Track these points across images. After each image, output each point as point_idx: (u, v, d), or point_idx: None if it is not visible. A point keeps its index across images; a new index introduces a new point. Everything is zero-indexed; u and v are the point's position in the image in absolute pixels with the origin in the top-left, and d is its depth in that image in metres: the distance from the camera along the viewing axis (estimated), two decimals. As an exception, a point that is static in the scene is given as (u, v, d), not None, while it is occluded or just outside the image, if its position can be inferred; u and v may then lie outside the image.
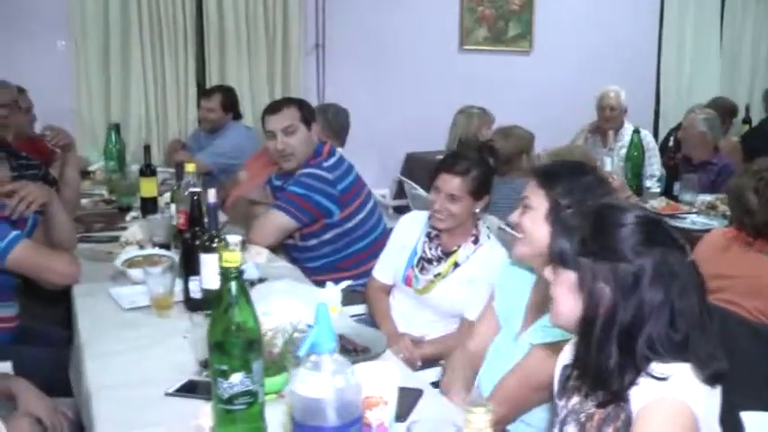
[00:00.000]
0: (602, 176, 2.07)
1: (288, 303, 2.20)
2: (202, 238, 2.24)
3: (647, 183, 4.54)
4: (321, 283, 3.19)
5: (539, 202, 1.97)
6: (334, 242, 3.29)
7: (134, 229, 3.14)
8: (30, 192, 2.69)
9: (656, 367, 1.39)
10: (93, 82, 5.41)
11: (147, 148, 3.82)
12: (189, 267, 2.31)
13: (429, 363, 2.65)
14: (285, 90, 5.85)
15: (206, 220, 2.29)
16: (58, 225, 2.84)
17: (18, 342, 2.77)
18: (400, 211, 5.15)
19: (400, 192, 5.83)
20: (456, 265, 2.71)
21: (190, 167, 2.79)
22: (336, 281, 3.23)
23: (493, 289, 2.28)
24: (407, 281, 2.82)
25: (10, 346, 2.68)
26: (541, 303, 1.95)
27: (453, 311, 2.71)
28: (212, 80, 5.67)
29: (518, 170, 3.98)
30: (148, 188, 3.61)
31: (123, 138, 4.92)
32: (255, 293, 2.30)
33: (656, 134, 6.53)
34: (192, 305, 2.31)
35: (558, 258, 1.48)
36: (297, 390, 1.32)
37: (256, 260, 2.87)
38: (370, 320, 2.90)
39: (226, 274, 1.47)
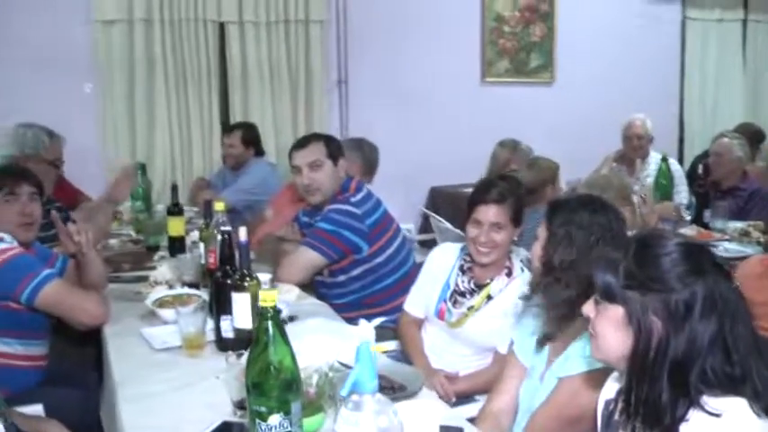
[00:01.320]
0: (617, 213, 2.03)
1: (322, 341, 2.18)
2: (234, 277, 2.23)
3: (676, 211, 4.49)
4: (350, 320, 3.21)
5: (541, 231, 1.98)
6: (362, 278, 3.27)
7: (163, 269, 3.13)
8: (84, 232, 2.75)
9: (710, 401, 1.34)
10: (119, 123, 5.46)
11: (174, 188, 3.83)
12: (220, 306, 2.29)
13: (464, 398, 2.61)
14: (308, 126, 5.87)
15: (237, 258, 2.27)
16: (93, 269, 2.86)
17: (47, 382, 2.76)
18: (426, 245, 5.13)
19: (425, 225, 5.81)
20: (489, 297, 2.68)
21: (219, 206, 2.78)
22: (366, 317, 3.23)
23: (511, 339, 2.25)
24: (440, 314, 2.78)
25: (40, 388, 2.69)
26: (565, 342, 1.93)
27: (487, 345, 2.67)
28: (236, 117, 5.70)
29: (543, 201, 3.94)
30: (176, 227, 3.62)
31: (149, 177, 4.96)
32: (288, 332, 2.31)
33: (681, 161, 6.48)
34: (223, 345, 2.29)
35: (603, 293, 1.44)
36: (339, 430, 1.29)
37: (286, 298, 2.85)
38: (402, 356, 2.87)
39: (263, 314, 1.46)
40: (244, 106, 5.76)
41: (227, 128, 5.25)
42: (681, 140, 7.22)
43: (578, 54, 6.54)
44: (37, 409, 2.50)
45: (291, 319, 2.59)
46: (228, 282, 2.25)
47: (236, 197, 4.93)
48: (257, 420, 1.44)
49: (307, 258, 3.14)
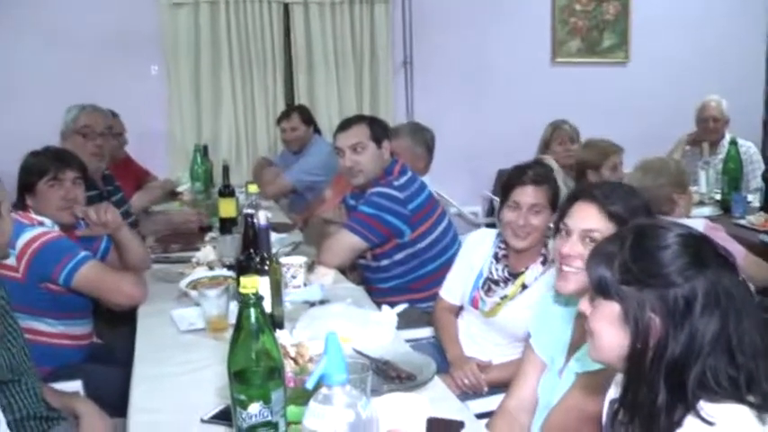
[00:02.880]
0: (647, 204, 1.91)
1: (339, 327, 2.15)
2: (254, 260, 2.22)
3: (749, 197, 4.24)
4: (394, 305, 3.19)
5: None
6: (406, 262, 3.23)
7: (207, 251, 3.16)
8: (110, 212, 2.79)
9: (706, 407, 1.25)
10: (185, 104, 5.54)
11: (225, 169, 3.86)
12: (244, 289, 2.28)
13: (496, 387, 2.54)
14: (374, 108, 5.84)
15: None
16: (129, 250, 2.91)
17: (89, 360, 2.83)
18: (493, 228, 5.03)
19: (492, 209, 5.71)
20: (524, 287, 2.59)
21: (252, 188, 2.78)
22: (410, 302, 3.21)
23: (528, 333, 2.15)
24: (474, 302, 2.72)
25: (82, 365, 2.76)
26: (584, 335, 1.82)
27: (521, 335, 2.57)
28: (300, 99, 5.71)
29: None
30: (227, 208, 3.64)
31: (214, 158, 5.03)
32: (308, 315, 2.29)
33: (765, 146, 6.15)
34: (246, 328, 2.28)
35: (597, 288, 1.36)
36: (307, 424, 1.26)
37: (322, 281, 2.84)
38: (437, 343, 2.82)
39: (245, 301, 1.43)
40: (308, 88, 5.76)
41: (281, 114, 5.25)
42: (765, 124, 6.85)
43: (655, 32, 6.27)
44: (75, 385, 2.56)
45: (323, 302, 2.58)
46: (250, 265, 2.24)
47: (296, 178, 4.96)
48: (238, 408, 1.42)
49: (347, 242, 3.12)
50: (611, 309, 1.34)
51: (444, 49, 5.92)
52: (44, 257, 2.54)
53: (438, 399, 1.83)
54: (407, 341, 2.94)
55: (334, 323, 2.17)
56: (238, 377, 1.44)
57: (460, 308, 2.85)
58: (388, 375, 1.90)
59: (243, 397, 1.41)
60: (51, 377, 2.58)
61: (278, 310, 2.23)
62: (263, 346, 1.44)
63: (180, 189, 4.73)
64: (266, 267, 2.21)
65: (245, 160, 5.67)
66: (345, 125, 3.29)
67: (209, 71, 5.53)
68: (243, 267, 2.29)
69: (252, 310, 1.43)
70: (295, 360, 1.92)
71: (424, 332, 2.98)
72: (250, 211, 2.30)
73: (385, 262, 3.24)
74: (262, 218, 2.21)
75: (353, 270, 3.38)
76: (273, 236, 3.56)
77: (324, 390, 1.26)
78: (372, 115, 3.55)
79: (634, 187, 2.03)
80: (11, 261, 2.53)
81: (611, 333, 1.35)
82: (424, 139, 4.04)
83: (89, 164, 3.40)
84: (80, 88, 4.66)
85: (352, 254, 3.16)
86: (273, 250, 3.24)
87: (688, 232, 1.33)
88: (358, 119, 3.35)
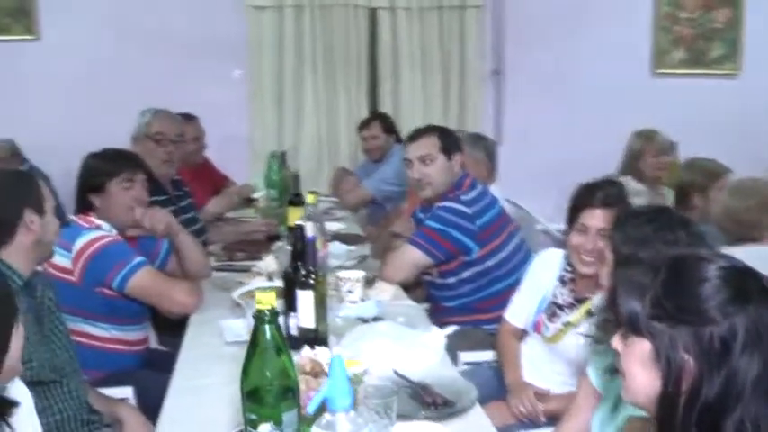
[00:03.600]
0: (696, 231, 1.81)
1: (383, 347, 2.15)
2: (299, 274, 2.23)
3: None
4: (461, 324, 3.16)
5: (608, 252, 1.79)
6: (473, 281, 3.20)
7: (269, 260, 3.19)
8: (164, 216, 2.87)
9: None
10: (266, 110, 5.65)
11: (296, 177, 3.91)
12: (289, 303, 2.30)
13: (554, 419, 2.46)
14: (461, 118, 5.81)
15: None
16: (187, 256, 2.98)
17: (146, 367, 2.91)
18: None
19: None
20: (589, 314, 2.51)
21: (311, 198, 2.80)
22: (476, 323, 3.18)
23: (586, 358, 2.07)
24: (537, 327, 2.66)
25: (135, 371, 2.83)
26: None
27: (584, 365, 2.50)
28: (384, 107, 5.73)
29: (693, 211, 3.62)
30: (296, 217, 3.67)
31: (295, 165, 5.10)
32: (354, 333, 2.29)
33: None
34: (291, 342, 2.29)
35: (627, 324, 1.29)
36: (308, 450, 1.25)
37: (380, 297, 2.84)
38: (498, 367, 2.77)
39: (260, 317, 1.43)
40: (393, 96, 5.77)
41: (362, 122, 5.28)
42: None
43: (771, 42, 5.99)
44: (126, 391, 2.63)
45: (376, 319, 2.57)
46: (296, 278, 2.25)
47: (375, 187, 4.97)
48: (249, 428, 1.42)
49: (411, 257, 3.11)
50: (642, 347, 1.27)
51: (537, 59, 5.81)
52: (100, 262, 2.63)
53: (473, 429, 1.78)
54: (468, 363, 2.95)
55: (377, 342, 2.17)
56: (251, 396, 1.44)
57: (525, 332, 2.79)
58: (424, 401, 1.87)
59: (254, 416, 1.42)
60: (103, 382, 2.66)
61: (322, 325, 2.23)
62: (277, 364, 1.44)
63: (255, 196, 4.81)
64: (312, 281, 2.21)
65: (326, 168, 5.72)
66: (415, 135, 3.29)
67: (292, 76, 5.62)
68: (289, 280, 2.31)
69: (267, 327, 1.43)
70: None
71: (486, 355, 2.94)
72: (299, 222, 2.31)
73: (451, 279, 3.21)
74: (309, 230, 2.23)
75: (418, 287, 3.35)
76: (342, 247, 3.61)
77: (327, 415, 1.25)
78: (444, 126, 3.51)
79: None
80: (66, 263, 2.62)
81: (642, 373, 1.28)
82: (483, 145, 3.99)
83: (158, 170, 3.51)
84: (160, 90, 4.78)
85: (415, 270, 3.14)
86: (338, 262, 3.32)
87: (731, 264, 1.25)
88: (428, 129, 3.34)
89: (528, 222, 4.50)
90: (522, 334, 2.79)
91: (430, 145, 3.19)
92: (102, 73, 5.39)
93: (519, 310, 2.79)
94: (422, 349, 2.20)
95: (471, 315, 3.20)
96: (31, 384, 2.02)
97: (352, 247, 3.67)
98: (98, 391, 2.48)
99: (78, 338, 2.62)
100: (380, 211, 5.04)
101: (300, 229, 2.29)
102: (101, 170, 2.86)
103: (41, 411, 2.07)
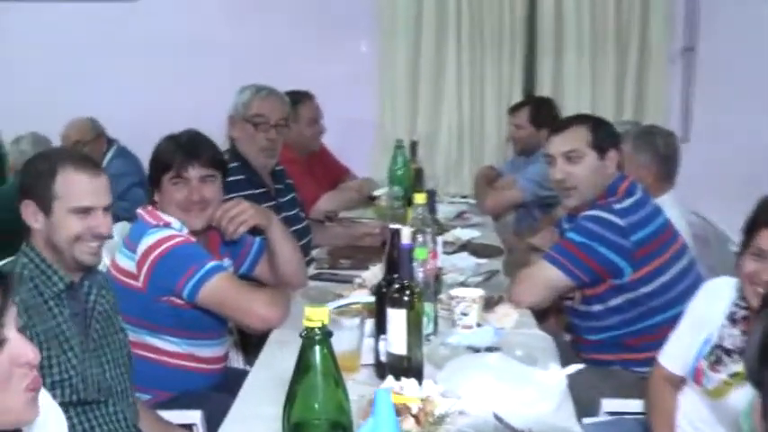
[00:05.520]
0: None
1: (483, 384, 2.12)
2: (391, 289, 2.23)
3: None
4: (605, 364, 3.08)
5: None
6: (623, 311, 3.10)
7: (375, 270, 3.20)
8: (242, 210, 2.91)
9: None
10: (399, 90, 5.73)
11: (418, 172, 3.92)
12: (380, 323, 2.31)
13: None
14: (638, 107, 5.74)
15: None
16: (280, 256, 3.04)
17: (222, 389, 2.97)
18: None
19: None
20: (765, 363, 2.37)
21: (419, 198, 2.80)
22: (624, 363, 3.10)
23: None
24: (697, 376, 2.54)
25: (208, 393, 2.89)
26: None
27: None
28: (543, 90, 5.71)
29: None
30: (413, 220, 3.70)
31: (428, 157, 5.14)
32: (455, 364, 2.27)
33: None
34: (380, 370, 2.30)
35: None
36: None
37: (501, 324, 2.80)
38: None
39: (308, 336, 1.44)
40: (554, 78, 5.76)
41: (511, 107, 5.23)
42: None
43: None
44: (194, 415, 2.71)
45: (490, 350, 2.54)
46: (387, 293, 2.26)
47: (524, 187, 4.91)
48: (290, 467, 1.44)
49: (546, 276, 3.05)
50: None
51: (738, 33, 5.58)
52: (167, 266, 2.69)
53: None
54: (610, 414, 2.86)
55: (479, 377, 2.14)
56: (296, 429, 1.45)
57: (683, 379, 2.68)
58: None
59: (297, 455, 1.43)
60: (167, 404, 2.75)
61: (415, 353, 2.22)
62: (328, 395, 1.45)
63: (377, 193, 4.86)
64: (405, 298, 2.20)
65: (467, 162, 5.72)
66: (560, 127, 3.22)
67: (432, 52, 5.67)
68: (381, 295, 2.32)
69: (317, 349, 1.44)
70: (417, 418, 1.91)
71: (635, 405, 2.84)
72: (396, 225, 2.32)
73: (597, 307, 3.13)
74: (405, 236, 2.22)
75: (555, 314, 3.29)
76: (470, 260, 3.60)
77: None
78: (598, 116, 3.41)
79: None
80: (130, 266, 2.72)
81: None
82: (652, 143, 3.79)
83: (255, 158, 3.60)
84: (270, 64, 4.94)
85: (551, 292, 3.07)
86: (461, 278, 3.31)
87: None
88: (578, 119, 3.26)
89: (720, 242, 4.30)
90: (679, 382, 2.68)
91: (578, 138, 3.11)
92: (205, 42, 5.59)
93: (676, 352, 2.67)
94: (534, 391, 2.16)
95: (620, 353, 3.12)
96: (69, 405, 2.13)
97: (483, 261, 3.65)
98: (156, 415, 2.56)
99: (141, 352, 2.72)
100: (528, 219, 4.98)
101: (396, 234, 2.29)
102: (157, 161, 2.92)
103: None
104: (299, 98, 4.64)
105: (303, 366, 1.46)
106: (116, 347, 2.34)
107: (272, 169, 3.79)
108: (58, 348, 2.16)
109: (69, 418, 2.15)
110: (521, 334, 2.78)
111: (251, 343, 3.25)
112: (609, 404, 2.88)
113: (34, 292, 2.17)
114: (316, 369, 1.45)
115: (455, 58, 5.68)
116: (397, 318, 2.20)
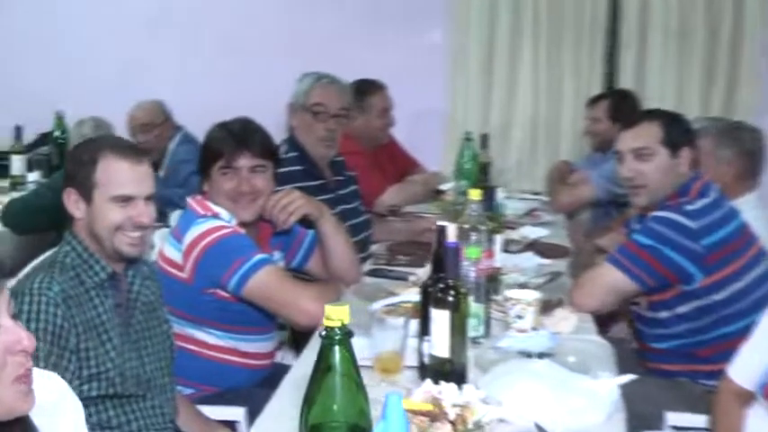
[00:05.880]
0: None
1: (527, 391, 2.09)
2: (435, 288, 2.21)
3: None
4: (671, 375, 3.03)
5: None
6: (693, 319, 3.05)
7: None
8: (292, 199, 2.92)
9: None
10: (472, 81, 5.71)
11: (485, 166, 3.88)
12: (424, 324, 2.29)
13: None
14: (728, 103, 5.63)
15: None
16: (332, 250, 3.05)
17: (268, 386, 2.98)
18: None
19: None
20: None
21: (474, 193, 2.77)
22: (692, 375, 3.03)
23: None
24: (766, 392, 2.47)
25: (253, 389, 2.90)
26: None
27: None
28: (625, 83, 5.63)
29: None
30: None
31: (500, 151, 5.10)
32: (500, 369, 2.24)
33: None
34: (423, 372, 2.29)
35: None
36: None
37: (558, 328, 2.76)
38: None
39: (329, 335, 1.44)
40: (637, 72, 5.69)
41: (590, 100, 5.15)
42: None
43: None
44: (237, 412, 2.72)
45: (542, 356, 2.50)
46: (433, 292, 2.24)
47: (598, 184, 4.83)
48: (306, 471, 1.44)
49: (608, 279, 3.00)
50: None
51: None
52: (214, 258, 2.71)
53: None
54: (676, 428, 2.80)
55: (524, 385, 2.12)
56: (313, 432, 1.45)
57: (753, 395, 2.61)
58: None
59: (314, 459, 1.43)
60: (210, 399, 2.78)
61: (459, 356, 2.20)
62: (348, 397, 1.44)
63: (443, 187, 4.83)
64: (450, 298, 2.19)
65: (542, 157, 5.68)
66: (631, 122, 3.17)
67: (507, 41, 5.66)
68: (427, 294, 2.30)
69: (337, 349, 1.44)
70: (453, 424, 1.89)
71: (699, 420, 2.78)
72: (443, 222, 2.29)
73: (664, 314, 3.08)
74: (451, 233, 2.20)
75: (619, 320, 3.24)
76: (533, 260, 3.57)
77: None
78: (673, 112, 3.33)
79: None
80: (177, 257, 2.75)
81: None
82: (738, 138, 3.65)
83: (314, 148, 3.61)
84: (341, 54, 4.93)
85: (614, 296, 3.02)
86: (523, 279, 3.27)
87: None
88: (650, 115, 3.21)
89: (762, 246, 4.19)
90: (750, 398, 2.61)
91: (649, 135, 3.06)
92: (272, 30, 5.66)
93: (748, 366, 2.60)
94: (581, 399, 2.12)
95: (688, 364, 3.07)
96: (106, 398, 2.16)
97: (547, 261, 3.60)
98: (196, 410, 2.59)
99: (184, 344, 2.74)
100: (604, 218, 4.91)
101: (442, 231, 2.26)
102: (207, 150, 2.94)
103: (116, 427, 2.20)
104: (369, 88, 4.65)
105: (322, 367, 1.45)
106: (158, 340, 2.37)
107: (332, 160, 3.80)
108: (96, 340, 2.18)
109: (105, 410, 2.20)
110: (578, 340, 2.74)
111: (304, 339, 3.25)
112: (675, 418, 2.82)
113: (76, 281, 2.19)
114: (335, 370, 1.44)
115: (531, 48, 5.65)
116: (440, 318, 2.19)
